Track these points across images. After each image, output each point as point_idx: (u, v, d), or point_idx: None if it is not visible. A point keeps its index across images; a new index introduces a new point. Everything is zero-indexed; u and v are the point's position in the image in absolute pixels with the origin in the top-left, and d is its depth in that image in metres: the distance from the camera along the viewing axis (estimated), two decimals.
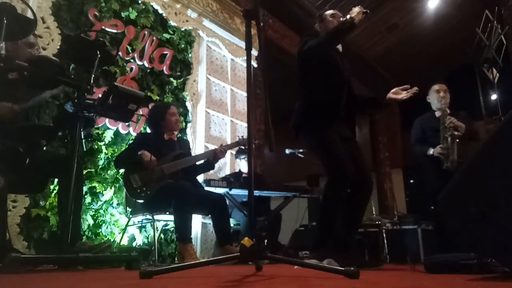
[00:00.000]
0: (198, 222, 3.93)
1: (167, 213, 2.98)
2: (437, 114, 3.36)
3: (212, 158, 3.15)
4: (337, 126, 2.44)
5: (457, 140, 3.10)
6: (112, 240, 3.26)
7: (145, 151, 2.80)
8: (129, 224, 3.17)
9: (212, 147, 4.38)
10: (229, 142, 4.61)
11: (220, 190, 3.38)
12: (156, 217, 3.03)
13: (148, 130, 3.59)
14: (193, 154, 3.43)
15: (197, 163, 3.21)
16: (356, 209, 2.43)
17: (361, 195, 2.43)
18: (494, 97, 3.46)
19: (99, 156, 3.34)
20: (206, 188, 3.26)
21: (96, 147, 3.32)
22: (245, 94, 4.84)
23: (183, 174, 2.98)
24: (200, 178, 3.42)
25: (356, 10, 2.34)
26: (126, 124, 3.52)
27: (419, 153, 3.35)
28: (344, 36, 2.47)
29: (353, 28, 2.33)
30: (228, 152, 4.55)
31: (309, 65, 2.47)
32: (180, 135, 3.84)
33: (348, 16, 2.35)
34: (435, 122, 3.29)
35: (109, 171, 3.37)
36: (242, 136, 3.40)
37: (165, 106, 3.29)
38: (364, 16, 2.35)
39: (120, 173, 3.41)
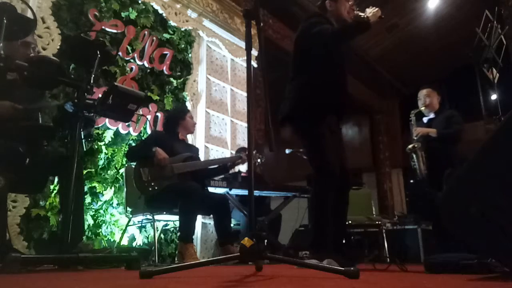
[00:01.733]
0: (198, 222, 3.93)
1: (167, 213, 2.99)
2: (424, 120, 3.53)
3: (229, 164, 3.22)
4: (330, 118, 2.36)
5: (422, 153, 3.29)
6: (112, 240, 3.26)
7: (159, 148, 2.84)
8: (129, 224, 3.18)
9: (212, 147, 4.39)
10: (229, 143, 4.62)
11: (220, 190, 3.39)
12: (156, 217, 3.04)
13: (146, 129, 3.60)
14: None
15: (210, 167, 3.26)
16: (338, 207, 2.35)
17: (340, 193, 2.34)
18: (494, 97, 3.46)
19: (99, 156, 3.34)
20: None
21: (96, 147, 3.32)
22: (245, 94, 4.84)
23: (192, 176, 3.00)
24: None
25: (371, 10, 2.27)
26: (126, 124, 3.52)
27: None
28: (357, 36, 2.42)
29: (367, 30, 2.26)
30: (228, 152, 4.57)
31: (313, 49, 2.35)
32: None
33: (364, 15, 2.28)
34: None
35: (109, 171, 3.37)
36: (257, 152, 3.37)
37: (185, 109, 3.48)
38: (378, 20, 2.29)
39: (120, 173, 3.41)
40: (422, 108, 3.46)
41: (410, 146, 3.37)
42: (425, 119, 3.51)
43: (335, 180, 2.23)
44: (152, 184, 2.80)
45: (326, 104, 2.33)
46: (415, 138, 3.35)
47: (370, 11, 2.28)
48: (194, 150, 3.31)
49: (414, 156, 3.31)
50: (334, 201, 2.26)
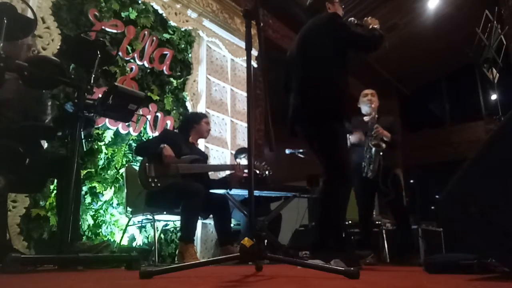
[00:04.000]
0: (198, 222, 3.92)
1: (168, 213, 2.99)
2: (366, 119, 3.45)
3: (229, 179, 3.24)
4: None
5: (381, 153, 3.25)
6: (112, 240, 3.26)
7: (167, 145, 2.86)
8: (129, 224, 3.18)
9: (212, 147, 4.38)
10: (229, 143, 4.62)
11: (220, 190, 3.39)
12: (156, 217, 3.04)
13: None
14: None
15: (211, 176, 3.29)
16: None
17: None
18: (494, 97, 3.47)
19: (99, 156, 3.34)
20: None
21: (96, 147, 3.32)
22: (245, 94, 4.84)
23: (195, 179, 3.00)
24: None
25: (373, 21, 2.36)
26: (126, 124, 3.52)
27: None
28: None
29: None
30: (228, 152, 4.57)
31: (342, 47, 2.35)
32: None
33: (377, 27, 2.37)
34: (363, 127, 3.41)
35: (109, 171, 3.37)
36: (259, 162, 3.35)
37: (203, 114, 3.50)
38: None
39: (120, 173, 3.41)
40: (370, 106, 3.42)
41: (379, 143, 3.25)
42: (366, 118, 3.43)
43: (350, 181, 2.25)
44: (156, 180, 2.82)
45: (345, 103, 2.33)
46: (373, 134, 3.27)
47: (374, 21, 2.34)
48: (202, 155, 3.33)
49: (374, 152, 3.24)
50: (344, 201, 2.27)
